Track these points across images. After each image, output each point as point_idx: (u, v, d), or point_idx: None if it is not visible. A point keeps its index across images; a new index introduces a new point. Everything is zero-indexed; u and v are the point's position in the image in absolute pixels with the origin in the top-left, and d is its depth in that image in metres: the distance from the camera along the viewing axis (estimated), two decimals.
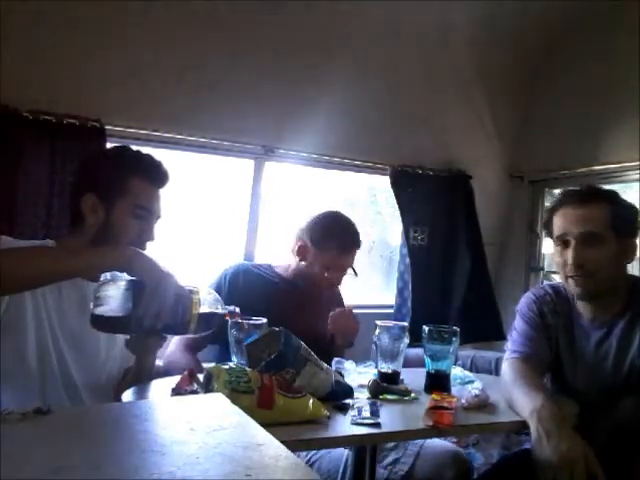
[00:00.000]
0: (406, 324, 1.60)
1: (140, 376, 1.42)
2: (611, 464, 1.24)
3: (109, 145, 2.17)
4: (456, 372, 1.57)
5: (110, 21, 2.19)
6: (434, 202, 3.06)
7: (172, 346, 1.89)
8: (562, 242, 1.51)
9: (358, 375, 1.53)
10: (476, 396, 1.38)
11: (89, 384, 1.43)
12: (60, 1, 2.07)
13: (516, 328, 1.62)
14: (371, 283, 3.43)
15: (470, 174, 3.14)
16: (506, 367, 1.54)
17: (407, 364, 1.55)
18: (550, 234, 1.57)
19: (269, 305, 1.77)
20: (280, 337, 1.29)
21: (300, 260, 2.01)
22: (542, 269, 3.28)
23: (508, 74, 3.14)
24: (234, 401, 0.89)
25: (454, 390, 1.46)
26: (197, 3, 2.31)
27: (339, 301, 2.20)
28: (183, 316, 1.24)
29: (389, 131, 2.92)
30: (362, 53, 2.70)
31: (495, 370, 2.22)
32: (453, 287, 3.11)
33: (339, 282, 2.05)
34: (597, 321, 1.54)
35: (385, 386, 1.43)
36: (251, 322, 1.43)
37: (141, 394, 1.30)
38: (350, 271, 2.06)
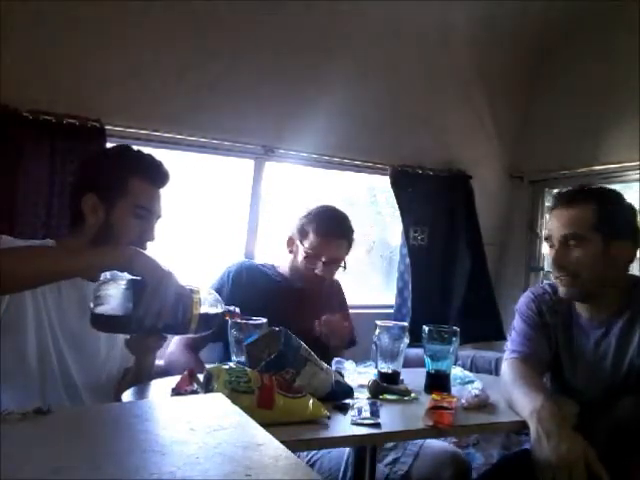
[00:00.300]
0: (406, 324, 1.60)
1: (140, 376, 1.42)
2: (610, 464, 1.24)
3: (109, 145, 2.17)
4: (456, 372, 1.57)
5: (110, 21, 2.19)
6: (434, 202, 3.06)
7: (172, 346, 1.89)
8: (549, 243, 1.54)
9: (358, 375, 1.53)
10: (476, 396, 1.38)
11: (89, 384, 1.43)
12: (60, 1, 2.07)
13: (515, 328, 1.63)
14: (371, 283, 3.43)
15: (470, 174, 3.14)
16: (506, 367, 1.54)
17: (407, 364, 1.55)
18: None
19: (270, 303, 1.78)
20: (280, 337, 1.30)
21: (290, 253, 2.01)
22: (542, 269, 3.28)
23: (508, 74, 3.14)
24: (234, 401, 0.89)
25: (454, 390, 1.46)
26: (197, 3, 2.31)
27: (342, 302, 2.20)
28: (184, 315, 1.24)
29: (389, 131, 2.92)
30: (362, 53, 2.70)
31: (495, 370, 2.22)
32: (453, 287, 3.11)
33: (327, 275, 1.99)
34: (595, 320, 1.54)
35: (385, 386, 1.43)
36: (250, 322, 1.43)
37: (141, 394, 1.30)
38: (342, 267, 2.02)
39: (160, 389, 1.32)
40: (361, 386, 1.45)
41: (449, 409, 1.27)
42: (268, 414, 1.09)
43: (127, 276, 1.26)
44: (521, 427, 1.35)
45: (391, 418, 1.27)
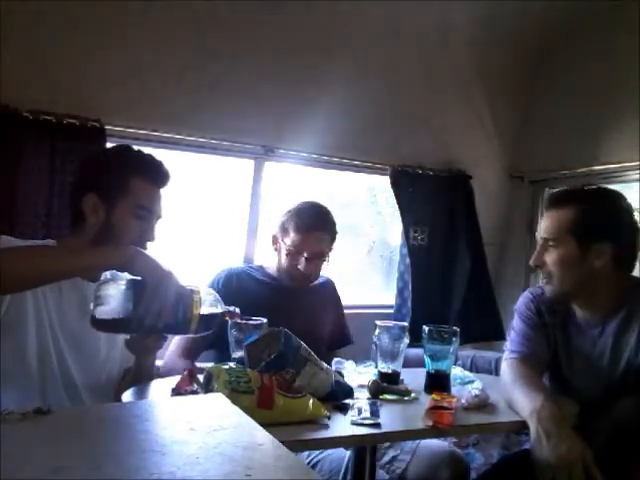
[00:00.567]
0: (406, 324, 1.60)
1: (140, 376, 1.42)
2: (610, 464, 1.24)
3: (109, 145, 2.17)
4: (456, 372, 1.57)
5: (110, 21, 2.19)
6: (434, 202, 3.06)
7: (167, 357, 1.88)
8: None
9: (358, 375, 1.53)
10: (476, 396, 1.38)
11: (89, 384, 1.43)
12: (60, 1, 2.07)
13: (514, 328, 1.63)
14: (371, 283, 3.43)
15: (470, 174, 3.14)
16: (505, 367, 1.54)
17: (407, 364, 1.55)
18: None
19: (262, 305, 1.78)
20: (280, 337, 1.30)
21: (275, 251, 2.02)
22: None
23: (508, 74, 3.14)
24: (234, 401, 0.89)
25: (454, 390, 1.46)
26: (197, 3, 2.31)
27: (336, 301, 2.20)
28: (184, 315, 1.24)
29: (389, 131, 2.92)
30: (362, 53, 2.70)
31: (495, 370, 2.21)
32: (453, 287, 3.11)
33: (311, 271, 1.98)
34: (591, 320, 1.56)
35: (385, 386, 1.44)
36: (250, 322, 1.43)
37: (141, 394, 1.30)
38: (326, 261, 2.01)
39: (160, 389, 1.32)
40: (361, 386, 1.45)
41: (449, 409, 1.27)
42: (268, 414, 1.09)
43: (127, 276, 1.26)
44: (521, 427, 1.35)
45: (391, 418, 1.27)
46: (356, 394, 1.37)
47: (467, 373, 1.60)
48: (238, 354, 1.41)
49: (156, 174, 1.46)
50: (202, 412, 0.86)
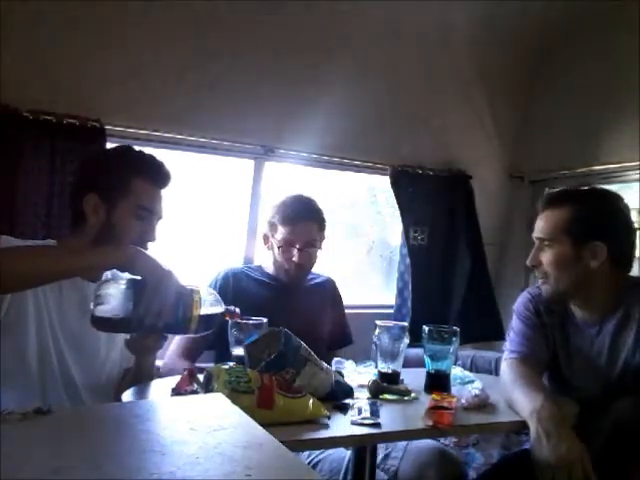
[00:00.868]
0: (406, 324, 1.60)
1: (140, 376, 1.42)
2: (608, 465, 1.24)
3: (109, 145, 2.17)
4: (456, 372, 1.57)
5: (110, 21, 2.19)
6: (434, 202, 3.06)
7: (167, 357, 1.88)
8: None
9: (358, 375, 1.53)
10: (476, 396, 1.38)
11: (89, 384, 1.43)
12: (60, 1, 2.07)
13: (513, 328, 1.64)
14: (371, 283, 3.43)
15: (470, 174, 3.14)
16: (505, 367, 1.54)
17: (407, 364, 1.55)
18: None
19: (262, 304, 1.78)
20: (280, 337, 1.30)
21: (268, 250, 2.03)
22: None
23: (508, 74, 3.14)
24: (234, 401, 0.89)
25: (454, 390, 1.46)
26: (197, 3, 2.31)
27: (337, 300, 2.20)
28: (184, 315, 1.24)
29: (389, 131, 2.92)
30: (362, 53, 2.70)
31: (495, 370, 2.22)
32: (453, 287, 3.11)
33: (305, 261, 1.98)
34: (588, 319, 1.56)
35: (385, 386, 1.44)
36: (250, 322, 1.43)
37: (141, 394, 1.30)
38: (320, 249, 2.02)
39: (160, 389, 1.32)
40: (361, 386, 1.45)
41: (449, 409, 1.27)
42: (268, 414, 1.09)
43: (128, 276, 1.26)
44: (521, 427, 1.35)
45: (391, 418, 1.27)
46: (356, 394, 1.37)
47: (467, 373, 1.60)
48: (238, 351, 1.41)
49: (157, 175, 1.46)
50: (202, 412, 0.86)
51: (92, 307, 1.21)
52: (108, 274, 1.43)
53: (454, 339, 1.49)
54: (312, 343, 1.37)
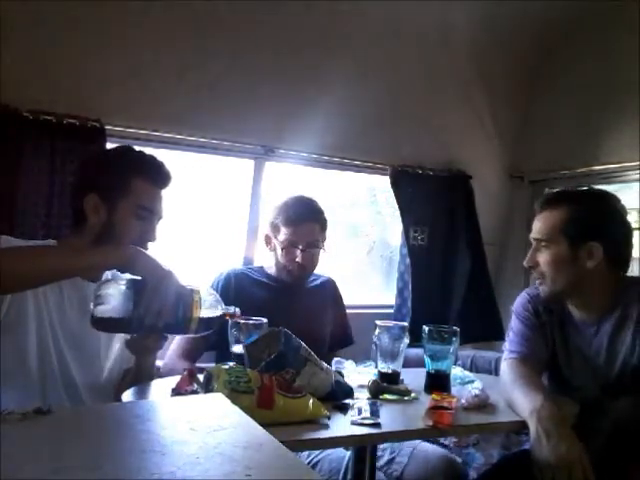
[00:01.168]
0: (406, 324, 1.60)
1: (140, 377, 1.42)
2: (608, 465, 1.24)
3: (109, 145, 2.17)
4: (456, 372, 1.57)
5: (110, 21, 2.19)
6: (434, 202, 3.05)
7: (167, 358, 1.88)
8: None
9: (358, 375, 1.53)
10: (476, 396, 1.38)
11: (89, 384, 1.43)
12: (60, 1, 2.07)
13: (513, 328, 1.64)
14: (371, 283, 3.43)
15: (470, 174, 3.14)
16: (505, 367, 1.54)
17: (407, 364, 1.55)
18: None
19: (264, 305, 1.78)
20: (280, 337, 1.30)
21: (270, 251, 2.03)
22: None
23: (508, 74, 3.14)
24: (234, 401, 0.89)
25: (454, 390, 1.46)
26: (197, 3, 2.31)
27: (338, 300, 2.20)
28: (184, 315, 1.24)
29: (389, 131, 2.92)
30: (362, 53, 2.70)
31: (495, 370, 2.22)
32: (453, 287, 3.11)
33: (308, 262, 1.98)
34: (587, 319, 1.56)
35: (385, 386, 1.44)
36: (250, 322, 1.43)
37: (141, 394, 1.30)
38: (322, 250, 2.02)
39: (160, 389, 1.32)
40: (361, 386, 1.45)
41: (449, 409, 1.27)
42: (268, 414, 1.09)
43: (128, 276, 1.26)
44: (521, 427, 1.35)
45: (391, 418, 1.27)
46: (356, 394, 1.37)
47: (467, 373, 1.60)
48: (237, 348, 1.41)
49: (157, 175, 1.46)
50: (202, 412, 0.86)
51: (92, 307, 1.21)
52: (108, 274, 1.43)
53: (454, 339, 1.49)
54: (313, 344, 1.37)
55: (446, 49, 2.88)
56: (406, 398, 1.41)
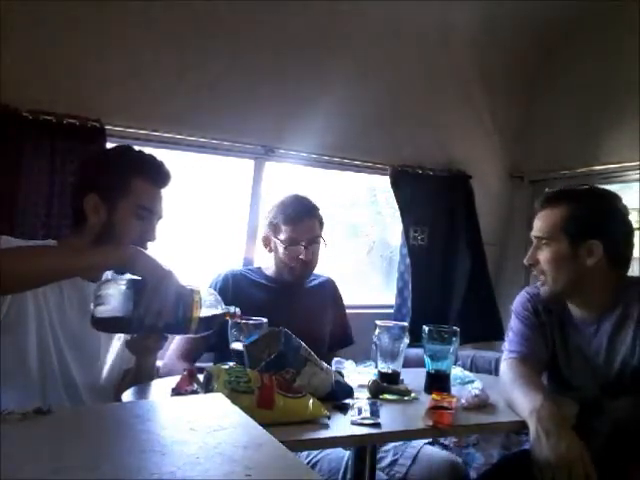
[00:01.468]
0: (406, 324, 1.60)
1: (140, 377, 1.42)
2: (608, 465, 1.24)
3: (109, 145, 2.17)
4: (456, 372, 1.57)
5: (110, 21, 2.19)
6: (434, 202, 3.06)
7: (167, 358, 1.88)
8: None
9: (358, 375, 1.53)
10: (476, 396, 1.38)
11: (89, 384, 1.43)
12: (60, 1, 2.07)
13: (512, 328, 1.64)
14: (371, 283, 3.43)
15: (470, 174, 3.14)
16: (505, 367, 1.54)
17: (407, 364, 1.55)
18: None
19: (261, 308, 1.78)
20: (280, 337, 1.30)
21: (270, 252, 2.03)
22: None
23: (508, 74, 3.14)
24: (234, 401, 0.89)
25: (454, 390, 1.46)
26: (197, 3, 2.31)
27: (337, 300, 2.19)
28: (184, 315, 1.24)
29: (389, 131, 2.92)
30: (362, 53, 2.70)
31: (495, 370, 2.22)
32: (453, 287, 3.11)
33: (310, 258, 2.00)
34: (586, 318, 1.56)
35: (385, 386, 1.44)
36: (251, 322, 1.43)
37: (141, 394, 1.30)
38: (323, 245, 2.04)
39: (160, 389, 1.32)
40: (361, 386, 1.45)
41: (449, 409, 1.27)
42: (268, 414, 1.09)
43: (128, 276, 1.26)
44: (521, 427, 1.35)
45: (391, 418, 1.27)
46: (356, 394, 1.37)
47: (467, 373, 1.60)
48: (236, 345, 1.41)
49: (157, 174, 1.46)
50: (202, 412, 0.86)
51: (92, 307, 1.21)
52: (108, 274, 1.43)
53: (454, 339, 1.49)
54: (313, 344, 1.37)
55: (446, 49, 2.88)
56: (406, 398, 1.41)
